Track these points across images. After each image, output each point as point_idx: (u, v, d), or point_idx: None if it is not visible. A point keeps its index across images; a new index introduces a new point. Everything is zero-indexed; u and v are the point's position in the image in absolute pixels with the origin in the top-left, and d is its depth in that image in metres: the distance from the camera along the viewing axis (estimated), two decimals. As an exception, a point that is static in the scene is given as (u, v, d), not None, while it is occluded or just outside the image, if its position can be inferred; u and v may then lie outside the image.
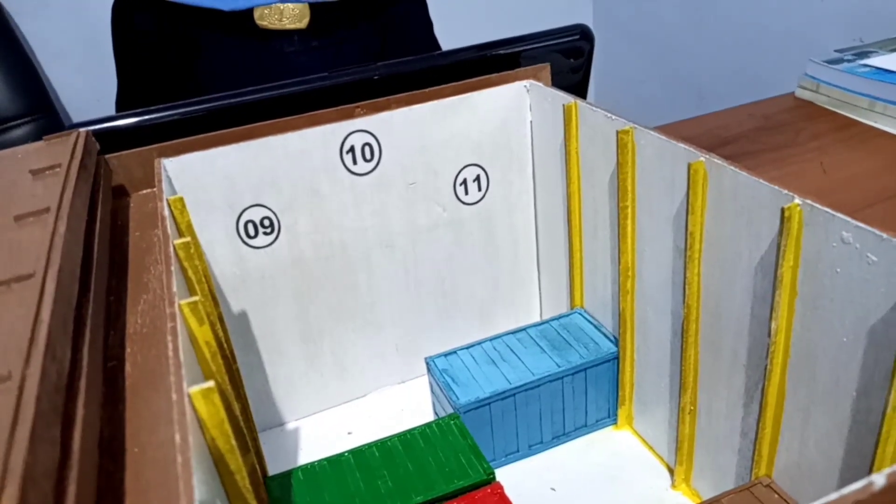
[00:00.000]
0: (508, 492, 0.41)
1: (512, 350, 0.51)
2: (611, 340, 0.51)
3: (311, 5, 0.85)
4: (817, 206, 0.31)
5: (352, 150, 0.49)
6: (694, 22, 1.68)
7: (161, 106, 0.49)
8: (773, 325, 0.34)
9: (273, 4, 0.84)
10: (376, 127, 0.49)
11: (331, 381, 0.56)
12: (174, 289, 0.30)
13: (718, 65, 1.65)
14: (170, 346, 0.26)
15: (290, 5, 0.86)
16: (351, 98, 0.51)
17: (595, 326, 0.52)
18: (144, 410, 0.27)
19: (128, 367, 0.30)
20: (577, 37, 0.59)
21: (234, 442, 0.26)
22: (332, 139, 0.48)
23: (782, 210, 0.32)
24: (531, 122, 0.54)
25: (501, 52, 0.56)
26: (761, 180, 0.33)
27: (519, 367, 0.49)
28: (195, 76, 0.89)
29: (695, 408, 0.43)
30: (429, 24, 1.05)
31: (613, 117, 0.43)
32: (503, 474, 0.49)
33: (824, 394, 0.33)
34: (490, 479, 0.41)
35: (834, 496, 0.17)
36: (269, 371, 0.54)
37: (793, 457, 0.36)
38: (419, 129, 0.50)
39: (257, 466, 0.37)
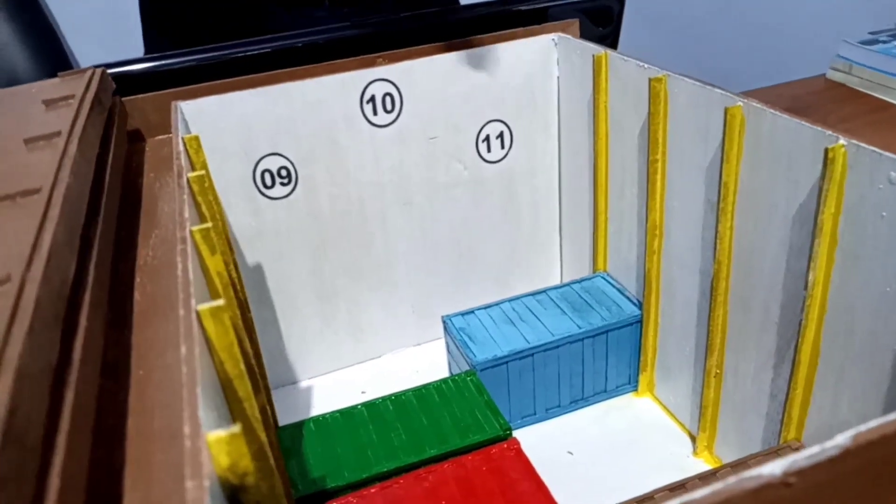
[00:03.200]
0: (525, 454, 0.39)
1: (531, 311, 0.50)
2: (634, 304, 0.49)
3: None
4: (863, 145, 0.29)
5: (372, 99, 0.48)
6: (722, 2, 1.64)
7: (180, 51, 0.48)
8: (811, 277, 0.32)
9: None
10: (397, 76, 0.48)
11: (345, 340, 0.55)
12: (186, 215, 0.29)
13: (745, 47, 1.62)
14: (179, 266, 0.25)
15: None
16: (374, 50, 0.50)
17: (618, 290, 0.51)
18: (152, 335, 0.26)
19: (136, 296, 0.29)
20: (607, -6, 0.57)
21: (242, 367, 0.24)
22: (352, 87, 0.47)
23: (826, 151, 0.30)
24: (558, 77, 0.52)
25: (526, 7, 0.54)
26: (803, 122, 0.31)
27: (538, 328, 0.48)
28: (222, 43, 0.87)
29: (721, 371, 0.42)
30: None
31: (646, 66, 0.42)
32: (520, 436, 0.47)
33: (861, 350, 0.32)
34: (507, 435, 0.40)
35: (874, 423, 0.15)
36: (283, 327, 0.53)
37: (824, 418, 0.35)
38: (441, 81, 0.49)
39: (269, 409, 0.36)
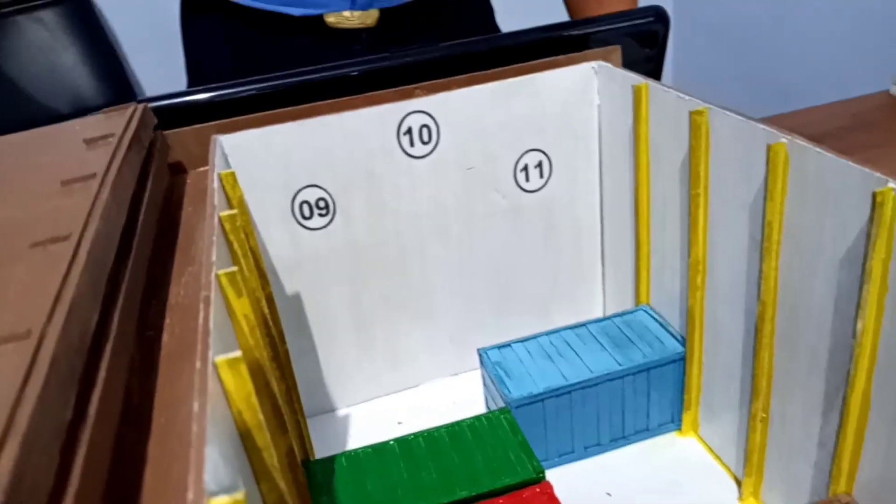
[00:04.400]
0: (560, 494, 0.38)
1: (570, 346, 0.49)
2: (677, 340, 0.47)
3: (382, 9, 0.85)
4: (916, 189, 0.27)
5: (409, 131, 0.48)
6: (779, 14, 1.60)
7: (221, 84, 0.49)
8: (860, 325, 0.31)
9: (344, 11, 0.83)
10: (434, 108, 0.48)
11: (383, 370, 0.55)
12: (213, 258, 0.29)
13: (804, 61, 1.57)
14: (201, 315, 0.25)
15: (360, 12, 0.85)
16: (412, 80, 0.50)
17: (661, 325, 0.49)
18: (177, 381, 0.26)
19: (165, 337, 0.29)
20: (650, 19, 0.56)
21: (261, 417, 0.24)
22: (389, 119, 0.47)
23: (874, 195, 0.28)
24: (599, 105, 0.51)
25: (568, 34, 0.54)
26: (850, 162, 0.30)
27: (577, 364, 0.47)
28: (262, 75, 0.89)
29: (767, 415, 0.40)
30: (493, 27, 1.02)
31: (687, 98, 0.40)
32: (556, 475, 0.47)
33: (918, 403, 0.30)
34: (539, 478, 0.38)
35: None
36: (321, 356, 0.53)
37: (876, 472, 0.33)
38: (478, 111, 0.49)
39: (296, 448, 0.36)
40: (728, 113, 0.37)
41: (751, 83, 1.69)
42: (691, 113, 0.39)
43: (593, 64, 0.50)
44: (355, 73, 0.51)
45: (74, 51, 1.60)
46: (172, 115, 0.47)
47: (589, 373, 0.46)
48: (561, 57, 0.51)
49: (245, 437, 0.24)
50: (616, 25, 0.55)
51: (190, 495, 0.17)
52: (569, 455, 0.48)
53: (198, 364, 0.22)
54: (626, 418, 0.48)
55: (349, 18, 0.84)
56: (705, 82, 1.86)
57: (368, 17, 0.84)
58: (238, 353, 0.23)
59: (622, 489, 0.45)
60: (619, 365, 0.46)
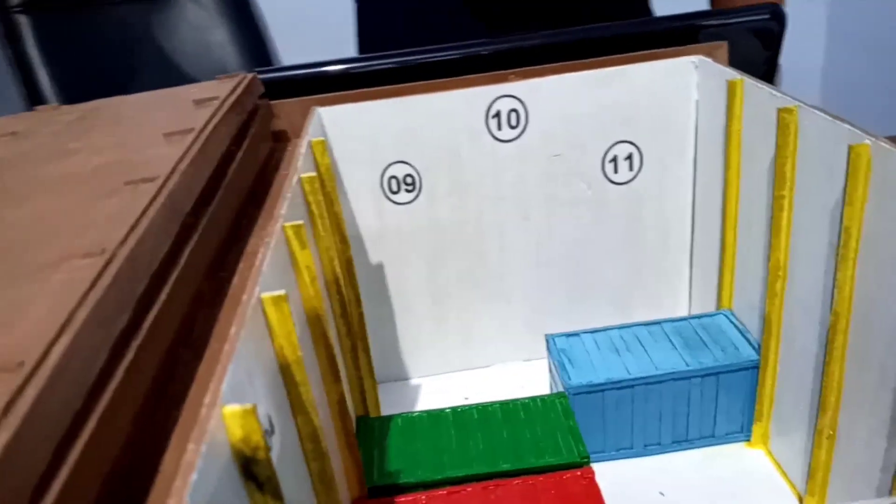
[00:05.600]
0: (612, 486, 0.38)
1: (640, 341, 0.48)
2: (753, 348, 0.46)
3: None
4: None
5: (497, 115, 0.49)
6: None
7: (326, 61, 0.52)
8: (930, 341, 0.29)
9: None
10: (524, 93, 0.48)
11: (455, 346, 0.56)
12: (283, 211, 0.32)
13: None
14: (259, 256, 0.28)
15: None
16: (510, 65, 0.51)
17: (740, 331, 0.48)
18: (233, 314, 0.29)
19: (235, 279, 0.32)
20: (765, 16, 0.54)
21: (300, 354, 0.27)
22: (478, 102, 0.48)
23: (953, 201, 0.26)
24: (697, 101, 0.50)
25: (672, 26, 0.53)
26: (934, 167, 0.28)
27: (643, 360, 0.46)
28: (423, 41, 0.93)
29: (834, 432, 0.38)
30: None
31: (779, 95, 0.39)
32: (612, 468, 0.46)
33: None
34: (583, 463, 0.39)
35: None
36: (398, 325, 0.55)
37: (941, 504, 0.30)
38: (568, 99, 0.49)
39: (351, 402, 0.38)
40: (816, 112, 0.35)
41: (904, 95, 1.55)
42: (779, 110, 0.37)
43: (693, 58, 0.49)
44: (455, 57, 0.53)
45: (225, 29, 1.72)
46: (281, 87, 0.51)
47: (654, 369, 0.45)
48: (661, 50, 0.51)
49: (284, 371, 0.27)
50: (726, 21, 0.53)
51: (206, 399, 0.19)
52: (627, 450, 0.47)
53: (244, 297, 0.25)
54: (691, 421, 0.47)
55: None
56: (859, 94, 1.73)
57: None
58: (282, 292, 0.25)
59: (677, 492, 0.44)
60: (687, 366, 0.45)
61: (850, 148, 0.32)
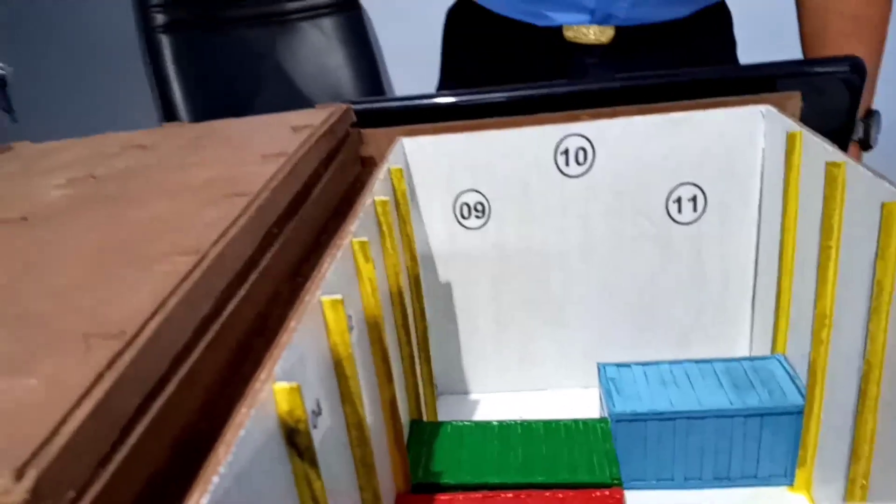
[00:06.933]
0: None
1: (688, 377, 0.50)
2: (800, 393, 0.46)
3: (618, 27, 0.89)
4: None
5: (566, 152, 0.52)
6: None
7: (415, 95, 0.57)
8: (945, 397, 0.30)
9: (581, 27, 0.89)
10: (593, 133, 0.51)
11: (514, 367, 0.59)
12: (352, 228, 0.36)
13: None
14: (324, 265, 0.32)
15: (598, 27, 0.90)
16: (583, 106, 0.54)
17: (789, 375, 0.48)
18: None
19: (310, 284, 0.37)
20: (845, 68, 0.54)
21: (351, 351, 0.31)
22: (548, 139, 0.52)
23: (966, 263, 0.28)
24: (763, 149, 0.51)
25: (747, 75, 0.54)
26: (955, 228, 0.29)
27: (688, 395, 0.48)
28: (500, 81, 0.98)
29: (867, 482, 0.38)
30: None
31: (831, 149, 0.40)
32: (651, 498, 0.48)
33: None
34: (614, 484, 0.41)
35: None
36: (462, 341, 0.59)
37: (956, 559, 0.31)
38: (636, 141, 0.52)
39: (403, 404, 0.42)
40: (860, 167, 0.37)
41: None
42: (827, 164, 0.39)
43: (761, 108, 0.51)
44: (532, 97, 0.57)
45: (343, 55, 1.84)
46: (373, 116, 0.57)
47: (697, 405, 0.47)
48: (733, 98, 0.53)
49: (336, 365, 0.31)
50: (804, 71, 0.55)
51: (262, 376, 0.24)
52: (668, 481, 0.49)
53: (307, 297, 0.29)
54: (733, 460, 0.48)
55: (586, 34, 0.90)
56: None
57: (604, 35, 0.88)
58: (339, 296, 0.30)
59: (713, 526, 0.46)
60: (731, 404, 0.46)
61: (884, 205, 0.33)
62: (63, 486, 0.16)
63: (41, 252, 0.31)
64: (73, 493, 0.17)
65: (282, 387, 0.24)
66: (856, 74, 0.55)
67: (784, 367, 0.49)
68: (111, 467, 0.18)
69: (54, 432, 0.17)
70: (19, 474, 0.15)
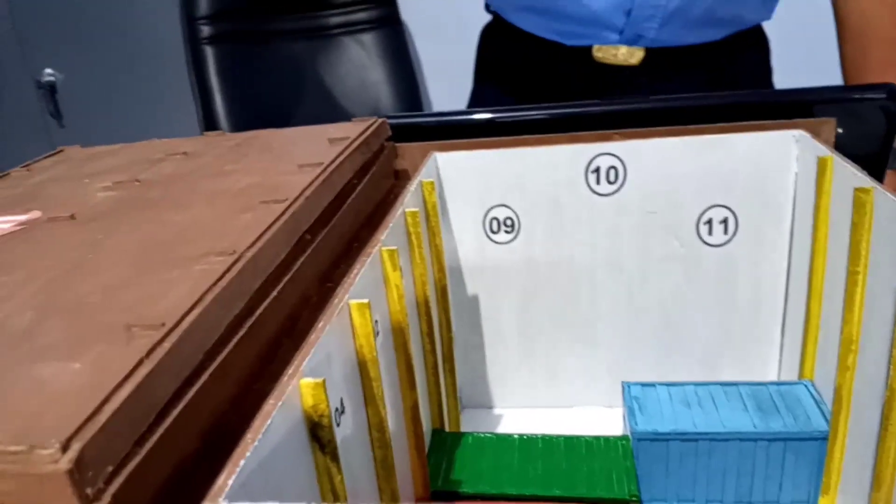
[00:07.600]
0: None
1: (713, 399, 0.50)
2: (826, 419, 0.46)
3: (648, 49, 0.90)
4: None
5: (597, 170, 0.53)
6: None
7: (447, 112, 0.58)
8: (968, 425, 0.29)
9: (611, 47, 0.90)
10: (624, 153, 0.52)
11: (540, 383, 0.60)
12: (382, 237, 0.38)
13: None
14: (354, 271, 0.34)
15: (627, 47, 0.91)
16: (616, 126, 0.55)
17: (815, 401, 0.48)
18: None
19: (340, 290, 0.39)
20: (882, 95, 0.54)
21: (376, 354, 0.32)
22: (579, 158, 0.53)
23: None
24: (796, 174, 0.52)
25: (782, 99, 0.55)
26: (981, 256, 0.29)
27: (712, 416, 0.48)
28: (532, 100, 0.99)
29: (890, 511, 0.38)
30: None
31: (860, 174, 0.40)
32: (671, 518, 0.48)
33: None
34: (632, 500, 0.41)
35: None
36: (487, 354, 0.60)
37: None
38: (667, 162, 0.52)
39: (424, 412, 0.43)
40: (888, 194, 0.37)
41: None
42: (856, 190, 0.39)
43: (794, 133, 0.51)
44: (564, 115, 0.58)
45: (382, 70, 1.87)
46: (407, 131, 0.58)
47: (720, 427, 0.47)
48: (768, 122, 0.53)
49: (361, 366, 0.32)
50: (836, 97, 0.55)
51: (290, 370, 0.25)
52: (689, 502, 0.49)
53: (335, 300, 0.31)
54: (755, 484, 0.47)
55: (615, 55, 0.90)
56: None
57: (633, 56, 0.89)
58: (366, 301, 0.31)
59: (732, 550, 0.45)
60: (754, 428, 0.46)
61: (910, 231, 0.33)
62: (103, 460, 0.18)
63: (89, 250, 0.33)
64: (111, 467, 0.18)
65: (307, 382, 0.25)
66: (893, 101, 0.55)
67: (810, 393, 0.49)
68: (146, 446, 0.20)
69: (97, 411, 0.19)
70: (65, 446, 0.17)
